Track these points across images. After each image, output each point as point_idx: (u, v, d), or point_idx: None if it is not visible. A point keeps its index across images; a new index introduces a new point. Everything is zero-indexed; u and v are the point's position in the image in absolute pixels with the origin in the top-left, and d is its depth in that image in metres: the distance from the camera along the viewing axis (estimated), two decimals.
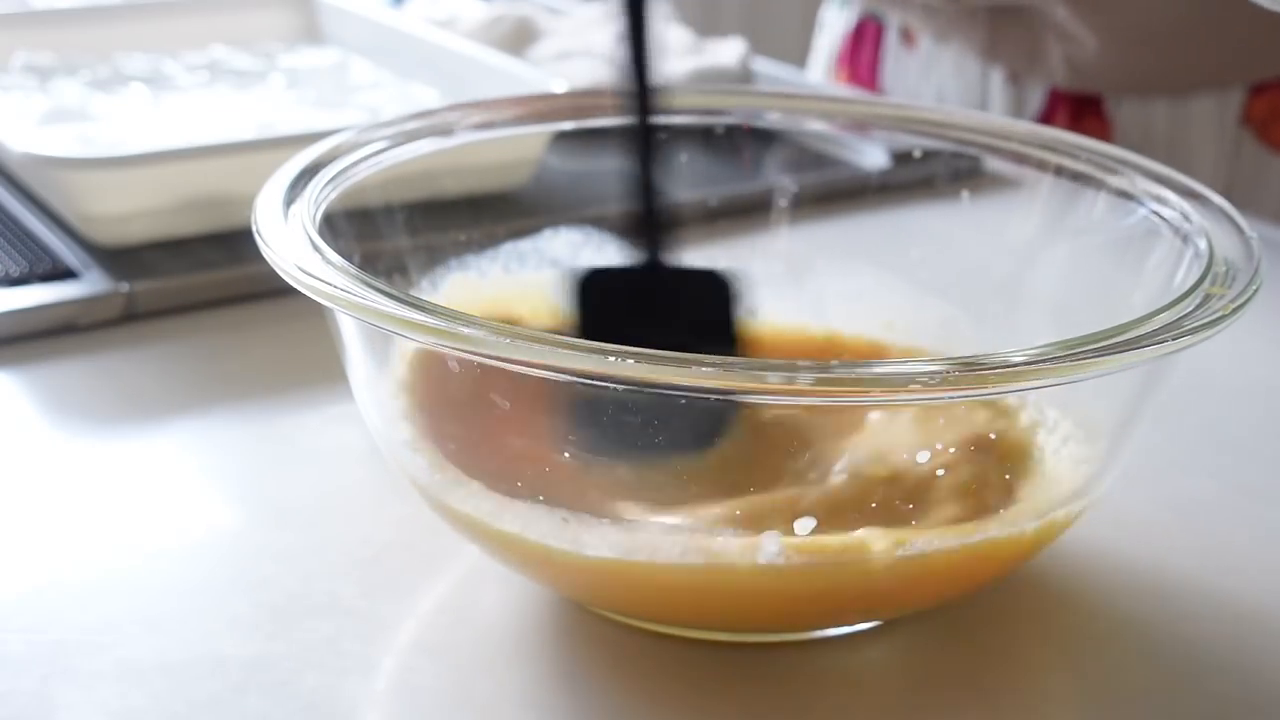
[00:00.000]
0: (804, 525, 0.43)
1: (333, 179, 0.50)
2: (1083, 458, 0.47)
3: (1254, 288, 0.44)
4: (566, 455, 0.45)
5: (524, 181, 0.74)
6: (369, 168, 0.52)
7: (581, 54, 0.95)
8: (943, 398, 0.42)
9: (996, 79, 0.95)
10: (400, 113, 0.57)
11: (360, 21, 0.96)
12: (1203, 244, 0.47)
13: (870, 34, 1.04)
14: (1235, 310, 0.42)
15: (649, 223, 0.52)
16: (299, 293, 0.42)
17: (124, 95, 0.85)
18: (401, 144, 0.54)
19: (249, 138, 0.73)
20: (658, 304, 0.53)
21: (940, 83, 0.98)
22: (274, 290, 0.56)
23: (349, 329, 0.45)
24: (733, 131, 0.63)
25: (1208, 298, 0.43)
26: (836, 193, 0.70)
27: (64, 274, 0.66)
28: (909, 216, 0.67)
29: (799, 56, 1.21)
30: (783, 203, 0.64)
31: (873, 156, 0.80)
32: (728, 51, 0.97)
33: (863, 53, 1.05)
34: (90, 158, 0.69)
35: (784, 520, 0.43)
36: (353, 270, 0.42)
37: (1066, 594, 0.49)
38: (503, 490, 0.44)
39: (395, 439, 0.47)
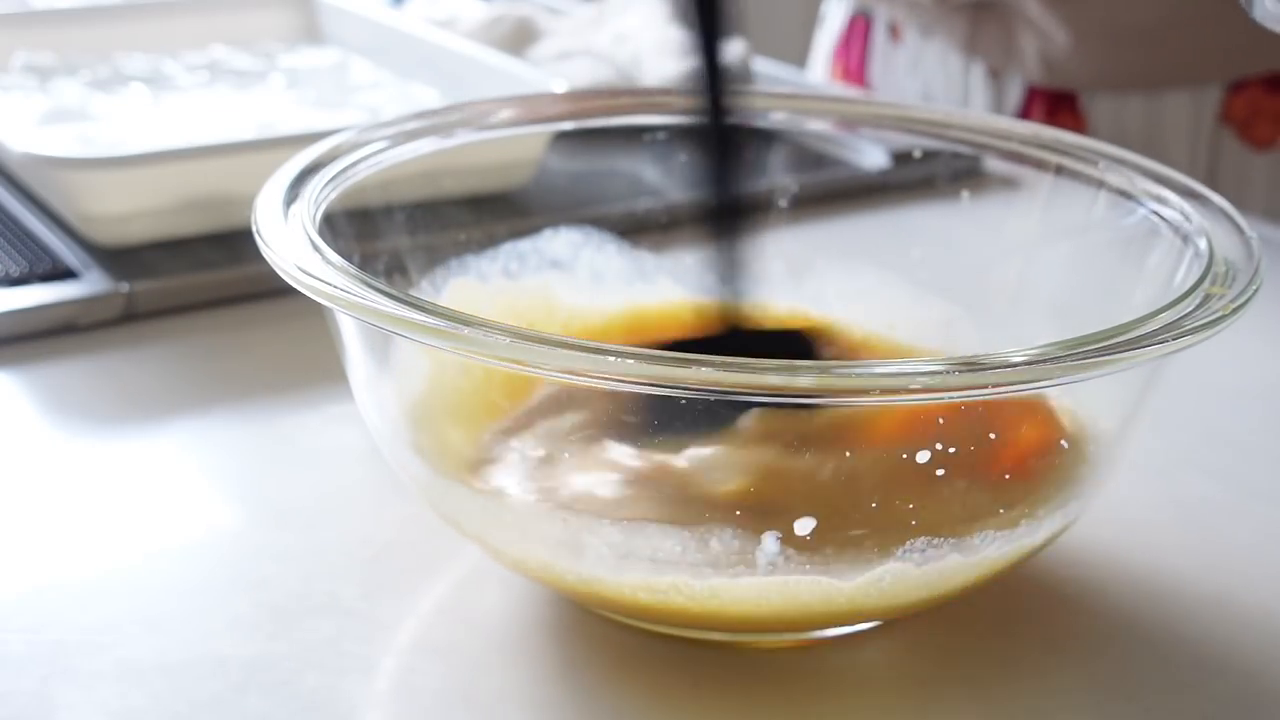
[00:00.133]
0: (804, 525, 0.43)
1: (333, 179, 0.50)
2: (1083, 457, 0.47)
3: (1254, 288, 0.44)
4: (567, 455, 0.45)
5: (524, 181, 0.74)
6: (369, 168, 0.52)
7: (581, 54, 0.95)
8: (943, 398, 0.42)
9: (978, 74, 0.95)
10: (400, 113, 0.57)
11: (360, 21, 0.96)
12: (1203, 244, 0.47)
13: (860, 29, 1.04)
14: (1235, 310, 0.42)
15: (728, 239, 0.50)
16: (299, 293, 0.42)
17: (124, 95, 0.85)
18: (401, 144, 0.54)
19: (249, 138, 0.73)
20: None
21: (926, 78, 0.99)
22: (274, 290, 0.56)
23: (349, 329, 0.45)
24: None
25: (1208, 298, 0.43)
26: (836, 193, 0.70)
27: (64, 274, 0.66)
28: (909, 216, 0.67)
29: (799, 56, 1.21)
30: (783, 203, 0.64)
31: (873, 156, 0.80)
32: (727, 51, 0.96)
33: (854, 48, 1.05)
34: (90, 158, 0.69)
35: (784, 520, 0.43)
36: (353, 270, 0.42)
37: (1066, 594, 0.49)
38: (502, 491, 0.44)
39: (395, 439, 0.47)
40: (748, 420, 0.47)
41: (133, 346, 0.63)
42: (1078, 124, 0.91)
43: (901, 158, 0.72)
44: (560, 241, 0.59)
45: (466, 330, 0.39)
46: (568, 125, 0.60)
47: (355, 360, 0.46)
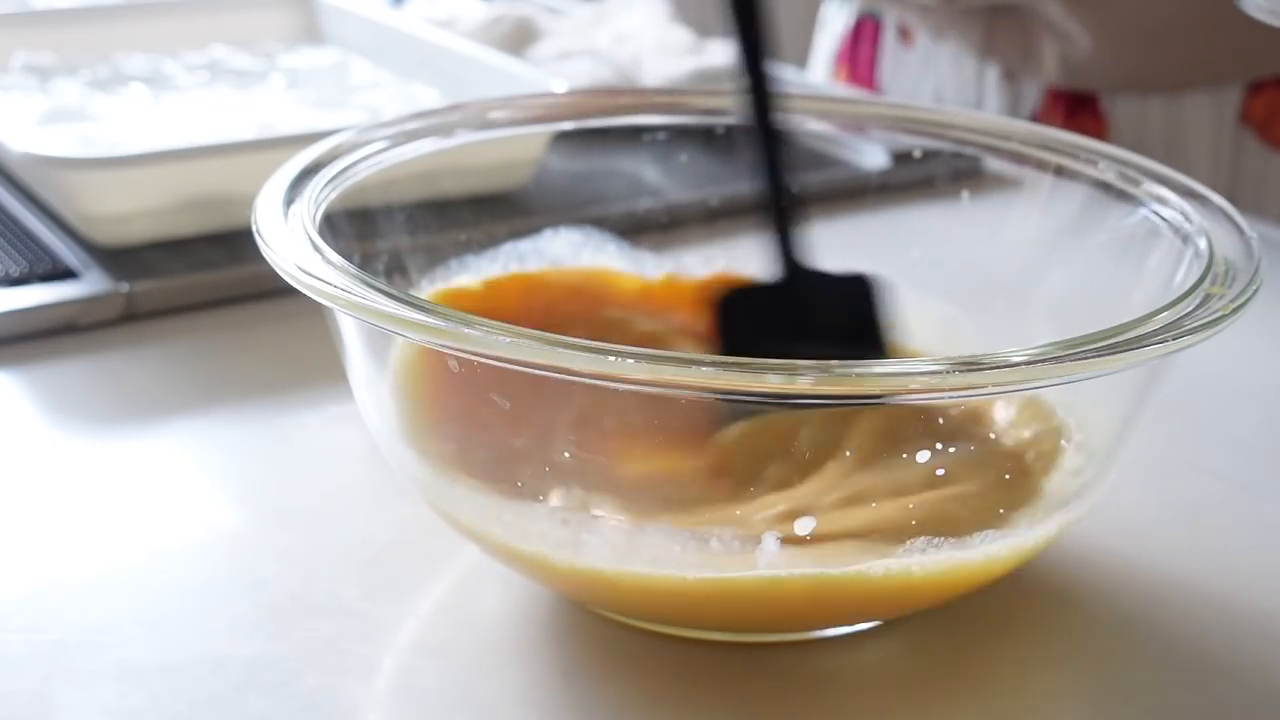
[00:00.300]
0: (804, 525, 0.43)
1: (333, 179, 0.50)
2: (1083, 457, 0.47)
3: (1254, 288, 0.44)
4: (567, 455, 0.45)
5: (524, 181, 0.74)
6: (369, 168, 0.52)
7: (581, 54, 0.95)
8: (943, 398, 0.42)
9: (992, 76, 0.95)
10: (400, 113, 0.57)
11: (360, 21, 0.96)
12: (1203, 244, 0.47)
13: (868, 32, 1.04)
14: (1235, 310, 0.42)
15: (780, 221, 0.53)
16: (299, 293, 0.42)
17: (124, 95, 0.85)
18: (401, 144, 0.54)
19: (249, 138, 0.73)
20: (801, 317, 0.53)
21: (937, 80, 0.98)
22: (274, 290, 0.56)
23: (349, 329, 0.45)
24: (733, 131, 0.63)
25: (1208, 298, 0.43)
26: (836, 193, 0.70)
27: (64, 274, 0.66)
28: (909, 216, 0.67)
29: (799, 56, 1.21)
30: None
31: (873, 156, 0.80)
32: (728, 51, 0.96)
33: (861, 51, 1.05)
34: (90, 158, 0.69)
35: (784, 520, 0.43)
36: (353, 270, 0.42)
37: (1066, 594, 0.49)
38: (502, 491, 0.44)
39: (395, 439, 0.47)
40: (748, 420, 0.47)
41: (133, 346, 0.63)
42: (1098, 126, 0.91)
43: (901, 158, 0.72)
44: (560, 241, 0.59)
45: (466, 330, 0.39)
46: (568, 125, 0.60)
47: (355, 360, 0.46)
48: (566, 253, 0.59)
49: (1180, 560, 0.51)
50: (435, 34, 0.91)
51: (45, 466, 0.55)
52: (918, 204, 0.65)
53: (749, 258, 0.61)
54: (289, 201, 0.47)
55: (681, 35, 0.99)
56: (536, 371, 0.39)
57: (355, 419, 0.49)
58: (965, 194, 0.62)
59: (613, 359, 0.38)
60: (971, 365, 0.38)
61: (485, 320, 0.39)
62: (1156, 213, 0.51)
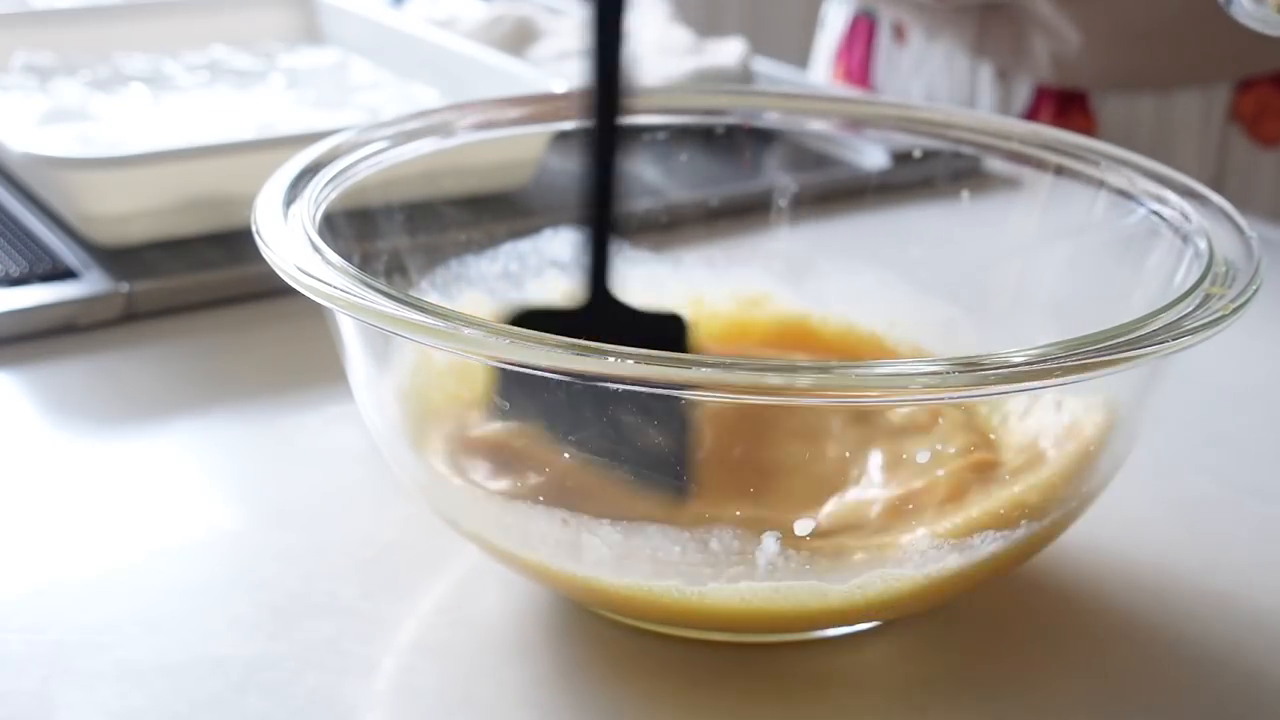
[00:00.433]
0: (804, 526, 0.43)
1: (333, 179, 0.50)
2: (1083, 457, 0.47)
3: (1254, 288, 0.44)
4: (566, 456, 0.45)
5: (524, 181, 0.74)
6: (369, 168, 0.52)
7: (582, 54, 0.95)
8: (943, 398, 0.42)
9: (985, 75, 0.95)
10: (400, 113, 0.57)
11: (360, 21, 0.96)
12: (1203, 244, 0.47)
13: (863, 31, 1.04)
14: (1235, 310, 0.42)
15: (598, 244, 0.50)
16: (299, 293, 0.42)
17: (124, 95, 0.85)
18: (401, 144, 0.54)
19: (249, 138, 0.73)
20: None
21: (931, 79, 0.99)
22: (274, 290, 0.56)
23: (349, 329, 0.45)
24: (733, 131, 0.63)
25: (1208, 298, 0.43)
26: (836, 193, 0.70)
27: (64, 274, 0.66)
28: (909, 216, 0.67)
29: (799, 56, 1.21)
30: (783, 203, 0.64)
31: (873, 156, 0.80)
32: (728, 51, 0.97)
33: (856, 49, 1.05)
34: (90, 158, 0.69)
35: (784, 521, 0.43)
36: (352, 270, 0.42)
37: (1066, 594, 0.49)
38: (502, 491, 0.44)
39: (395, 439, 0.47)
40: (749, 419, 0.47)
41: (133, 346, 0.63)
42: (1088, 124, 0.91)
43: (901, 158, 0.72)
44: (560, 241, 0.59)
45: (466, 330, 0.39)
46: (568, 125, 0.60)
47: (355, 360, 0.46)
48: (566, 253, 0.59)
49: (1180, 560, 0.51)
50: (435, 34, 0.91)
51: (45, 466, 0.55)
52: (918, 204, 0.65)
53: (751, 258, 0.61)
54: (289, 201, 0.47)
55: (681, 35, 0.99)
56: (537, 372, 0.39)
57: (355, 419, 0.49)
58: (965, 194, 0.62)
59: (613, 359, 0.37)
60: (971, 365, 0.38)
61: (485, 320, 0.39)
62: (1156, 213, 0.51)
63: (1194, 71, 0.88)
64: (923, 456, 0.47)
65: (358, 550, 0.50)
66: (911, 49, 1.00)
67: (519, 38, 0.98)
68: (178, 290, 0.66)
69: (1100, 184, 0.54)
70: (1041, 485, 0.46)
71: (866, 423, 0.48)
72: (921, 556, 0.42)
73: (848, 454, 0.47)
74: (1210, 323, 0.41)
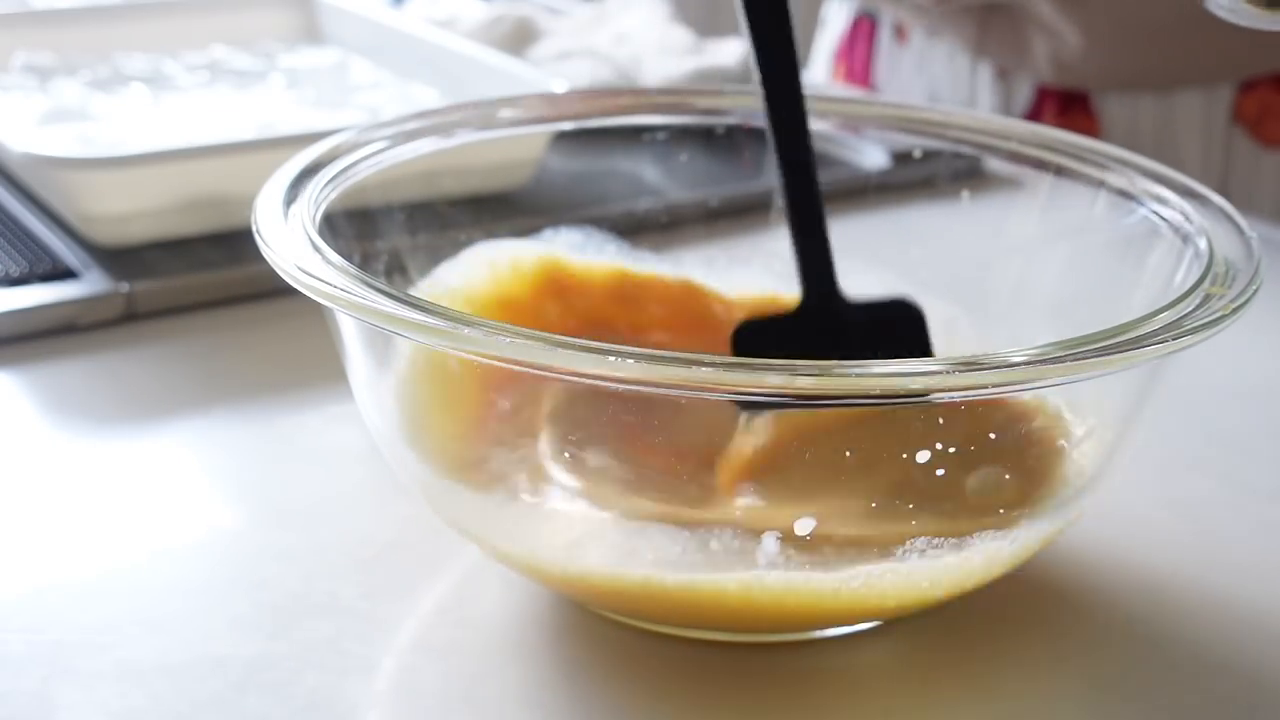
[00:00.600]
0: (804, 525, 0.43)
1: (333, 179, 0.50)
2: (1082, 458, 0.47)
3: (1254, 288, 0.44)
4: (567, 456, 0.45)
5: (524, 181, 0.74)
6: (369, 168, 0.52)
7: (581, 54, 0.95)
8: (943, 398, 0.42)
9: (985, 75, 0.95)
10: (400, 113, 0.57)
11: (360, 21, 0.96)
12: (1203, 244, 0.47)
13: (864, 31, 1.04)
14: (1235, 310, 0.42)
15: (807, 240, 0.50)
16: (299, 293, 0.42)
17: (124, 95, 0.85)
18: (401, 144, 0.54)
19: (249, 138, 0.73)
20: (833, 349, 0.50)
21: (932, 79, 0.99)
22: (274, 290, 0.56)
23: (349, 329, 0.45)
24: (733, 131, 0.63)
25: (1208, 298, 0.43)
26: (836, 193, 0.69)
27: (64, 274, 0.66)
28: (909, 216, 0.67)
29: (801, 56, 1.21)
30: (783, 203, 0.64)
31: (873, 156, 0.80)
32: (728, 51, 0.97)
33: (857, 49, 1.05)
34: (90, 158, 0.69)
35: (784, 521, 0.43)
36: (353, 270, 0.42)
37: (1066, 594, 0.49)
38: (502, 491, 0.44)
39: (395, 439, 0.47)
40: (749, 419, 0.47)
41: (133, 346, 0.63)
42: (1090, 124, 0.91)
43: (901, 158, 0.72)
44: (560, 241, 0.59)
45: (466, 330, 0.39)
46: (568, 125, 0.60)
47: (355, 360, 0.46)
48: (566, 253, 0.59)
49: (1180, 559, 0.51)
50: (435, 34, 0.91)
51: (45, 466, 0.55)
52: (918, 204, 0.65)
53: (751, 258, 0.61)
54: (289, 201, 0.47)
55: (681, 35, 0.99)
56: (537, 372, 0.39)
57: (355, 419, 0.49)
58: (965, 194, 0.62)
59: (613, 359, 0.37)
60: (971, 365, 0.38)
61: (485, 320, 0.39)
62: (1156, 213, 0.51)
63: (1195, 72, 0.88)
64: (923, 456, 0.47)
65: (358, 550, 0.50)
66: (912, 49, 1.00)
67: (519, 38, 0.98)
68: (178, 290, 0.66)
69: (1100, 184, 0.54)
70: (1041, 485, 0.46)
71: (867, 422, 0.48)
72: (921, 556, 0.42)
73: (848, 453, 0.47)
74: (1210, 323, 0.41)
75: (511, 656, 0.45)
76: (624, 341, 0.41)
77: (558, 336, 0.38)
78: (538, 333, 0.38)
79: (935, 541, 0.43)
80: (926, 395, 0.39)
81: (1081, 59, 0.89)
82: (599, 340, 0.38)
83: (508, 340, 0.38)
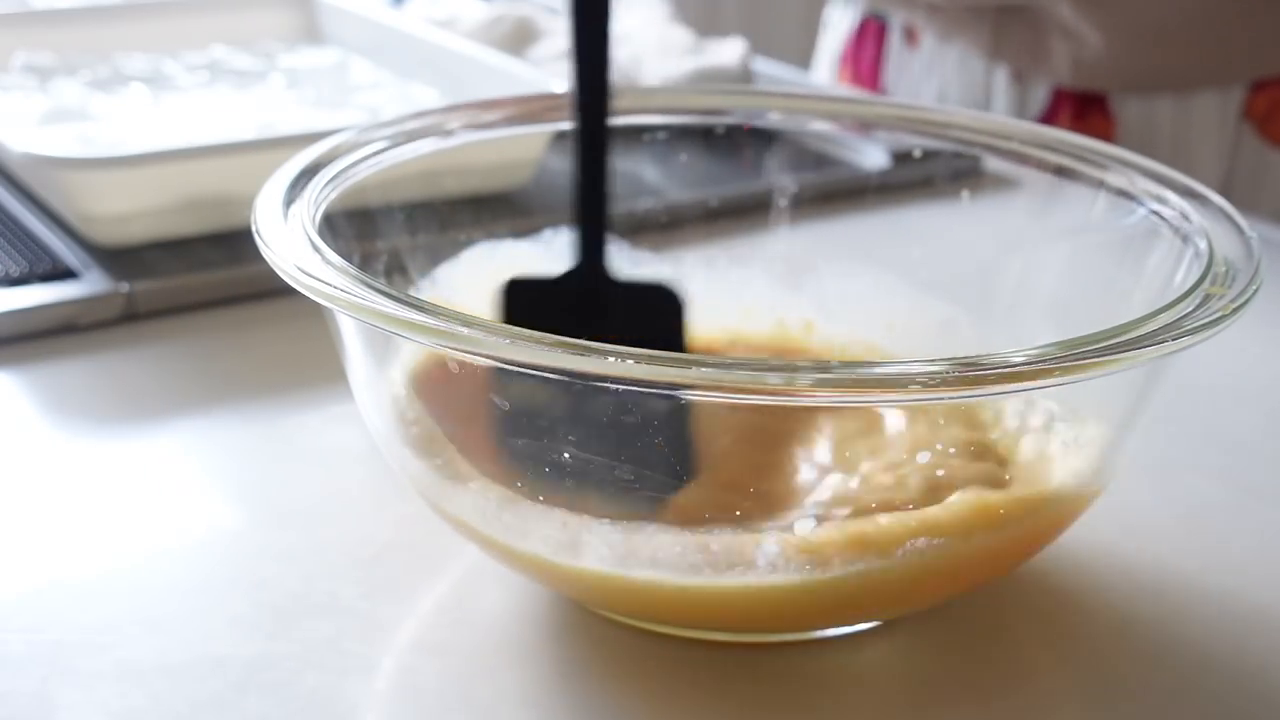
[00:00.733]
0: (804, 525, 0.43)
1: (333, 179, 0.50)
2: (1082, 458, 0.47)
3: (1254, 288, 0.44)
4: (566, 456, 0.45)
5: (524, 181, 0.74)
6: (369, 168, 0.52)
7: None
8: (943, 398, 0.42)
9: (1000, 77, 0.95)
10: (400, 113, 0.57)
11: (360, 21, 0.96)
12: (1203, 244, 0.47)
13: (872, 33, 1.04)
14: (1235, 310, 0.42)
15: (591, 215, 0.50)
16: (299, 293, 0.42)
17: (124, 95, 0.85)
18: (401, 144, 0.54)
19: (249, 138, 0.73)
20: (594, 318, 0.50)
21: (943, 82, 0.98)
22: (274, 290, 0.56)
23: (349, 329, 0.45)
24: (733, 131, 0.63)
25: (1208, 298, 0.43)
26: (836, 193, 0.70)
27: (64, 274, 0.66)
28: (909, 216, 0.67)
29: (800, 56, 1.21)
30: (783, 203, 0.64)
31: (873, 156, 0.80)
32: (728, 51, 0.97)
33: (864, 52, 1.05)
34: (90, 158, 0.69)
35: (784, 521, 0.43)
36: (352, 270, 0.42)
37: (1066, 594, 0.49)
38: (501, 491, 0.44)
39: (395, 439, 0.47)
40: (750, 420, 0.47)
41: (133, 346, 0.63)
42: (1107, 126, 0.91)
43: (901, 158, 0.72)
44: (560, 241, 0.59)
45: (466, 330, 0.39)
46: (568, 125, 0.60)
47: (355, 360, 0.46)
48: (566, 253, 0.59)
49: (1180, 560, 0.51)
50: (435, 34, 0.91)
51: (45, 466, 0.55)
52: (918, 204, 0.65)
53: (751, 259, 0.61)
54: (289, 202, 0.47)
55: (681, 35, 0.99)
56: (536, 372, 0.39)
57: (355, 419, 0.49)
58: (965, 194, 0.62)
59: (613, 359, 0.37)
60: (971, 365, 0.38)
61: (485, 320, 0.39)
62: (1156, 213, 0.51)
63: (1212, 72, 0.88)
64: (923, 457, 0.47)
65: (358, 550, 0.50)
66: (922, 52, 0.99)
67: (519, 38, 0.98)
68: (178, 290, 0.66)
69: (1100, 184, 0.54)
70: (1041, 485, 0.46)
71: (868, 422, 0.48)
72: (921, 556, 0.42)
73: (849, 453, 0.47)
74: (1210, 323, 0.41)
75: (511, 656, 0.45)
76: None
77: (557, 337, 0.38)
78: (538, 333, 0.38)
79: (934, 541, 0.43)
80: (926, 395, 0.39)
81: (1101, 60, 0.89)
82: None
83: (507, 340, 0.38)
